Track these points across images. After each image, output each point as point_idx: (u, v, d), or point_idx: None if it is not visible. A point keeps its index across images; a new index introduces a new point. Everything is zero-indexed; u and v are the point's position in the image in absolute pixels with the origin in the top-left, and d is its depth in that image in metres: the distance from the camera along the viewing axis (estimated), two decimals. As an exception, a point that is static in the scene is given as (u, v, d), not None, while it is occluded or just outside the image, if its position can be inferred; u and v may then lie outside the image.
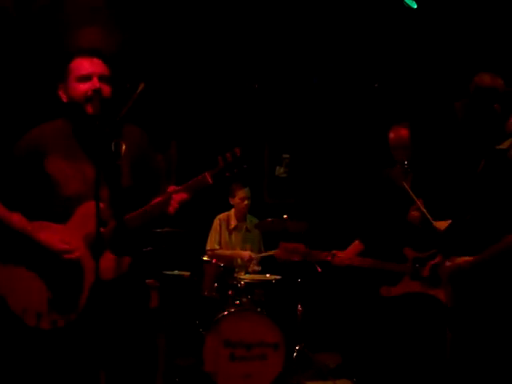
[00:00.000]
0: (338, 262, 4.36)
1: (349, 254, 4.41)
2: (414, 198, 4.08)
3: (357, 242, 4.49)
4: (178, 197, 2.72)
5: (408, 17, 5.62)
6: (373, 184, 4.68)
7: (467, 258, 3.06)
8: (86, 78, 2.74)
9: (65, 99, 2.80)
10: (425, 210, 4.00)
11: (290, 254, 4.40)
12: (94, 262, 2.59)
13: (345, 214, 6.72)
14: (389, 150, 4.40)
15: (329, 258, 4.35)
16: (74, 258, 2.70)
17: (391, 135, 4.36)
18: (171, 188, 2.76)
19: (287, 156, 7.20)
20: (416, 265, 4.10)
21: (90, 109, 2.70)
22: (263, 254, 5.81)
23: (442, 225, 3.68)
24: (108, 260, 2.67)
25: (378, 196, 4.52)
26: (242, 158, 2.76)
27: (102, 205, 2.54)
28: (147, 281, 3.25)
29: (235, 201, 5.90)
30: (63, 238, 2.71)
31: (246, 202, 5.88)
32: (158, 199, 2.75)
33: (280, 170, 7.21)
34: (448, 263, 3.18)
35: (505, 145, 3.00)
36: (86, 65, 2.76)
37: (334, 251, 4.37)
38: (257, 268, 5.63)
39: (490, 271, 2.95)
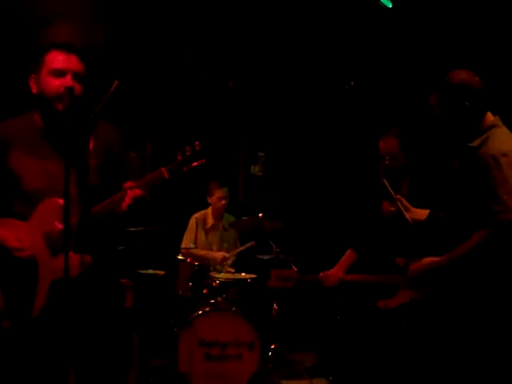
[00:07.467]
0: (330, 282, 4.17)
1: (339, 270, 4.19)
2: (393, 194, 4.01)
3: (349, 251, 4.28)
4: (131, 193, 2.64)
5: (383, 16, 5.65)
6: (364, 185, 4.52)
7: (434, 259, 3.05)
8: (60, 74, 2.69)
9: (35, 90, 2.76)
10: (403, 208, 3.94)
11: (284, 282, 4.29)
12: (53, 260, 2.59)
13: (324, 215, 6.73)
14: (363, 146, 4.30)
15: (320, 280, 4.18)
16: (25, 256, 2.66)
17: (381, 145, 4.17)
18: (128, 184, 2.69)
19: (262, 154, 7.20)
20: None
21: (59, 105, 2.67)
22: (237, 251, 5.78)
23: (423, 213, 3.58)
24: (69, 257, 2.57)
25: (371, 198, 4.30)
26: (202, 152, 2.69)
27: (61, 201, 2.50)
28: (121, 280, 3.20)
29: (213, 200, 5.88)
30: (18, 235, 2.68)
31: (223, 201, 5.86)
32: (113, 196, 2.69)
33: (255, 169, 7.20)
34: (415, 263, 3.17)
35: (476, 143, 3.00)
36: (61, 59, 2.71)
37: (323, 273, 4.19)
38: (231, 269, 5.59)
39: (457, 271, 2.94)
